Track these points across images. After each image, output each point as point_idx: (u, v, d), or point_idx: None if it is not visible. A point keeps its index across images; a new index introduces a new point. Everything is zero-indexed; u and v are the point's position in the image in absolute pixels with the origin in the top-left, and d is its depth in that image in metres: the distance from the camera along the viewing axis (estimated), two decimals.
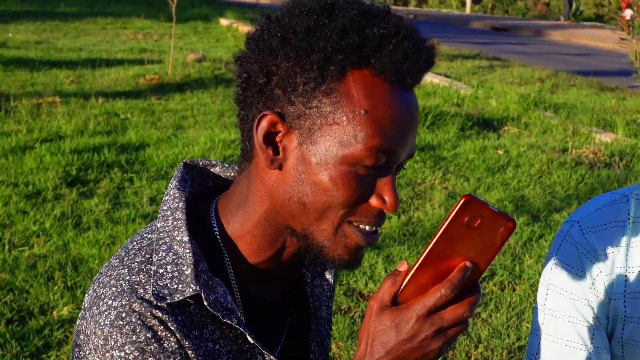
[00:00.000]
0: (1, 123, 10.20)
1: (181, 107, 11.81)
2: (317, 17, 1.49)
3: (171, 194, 1.62)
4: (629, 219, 2.13)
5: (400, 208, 7.49)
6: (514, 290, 5.93)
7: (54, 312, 5.26)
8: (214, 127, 10.38)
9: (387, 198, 1.55)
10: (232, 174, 1.74)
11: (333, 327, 5.20)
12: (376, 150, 1.50)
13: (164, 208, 1.60)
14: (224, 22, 26.83)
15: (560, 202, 7.85)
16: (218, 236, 1.62)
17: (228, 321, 1.54)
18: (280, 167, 1.54)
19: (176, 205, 1.59)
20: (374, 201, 1.55)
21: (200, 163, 1.73)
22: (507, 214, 1.44)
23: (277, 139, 1.53)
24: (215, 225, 1.63)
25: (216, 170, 1.74)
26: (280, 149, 1.53)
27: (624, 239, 2.11)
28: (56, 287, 5.57)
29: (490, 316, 5.53)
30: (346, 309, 5.49)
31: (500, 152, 9.66)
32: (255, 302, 1.67)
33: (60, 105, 11.45)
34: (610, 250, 2.11)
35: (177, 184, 1.64)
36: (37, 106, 11.37)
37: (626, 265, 2.10)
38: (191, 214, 1.62)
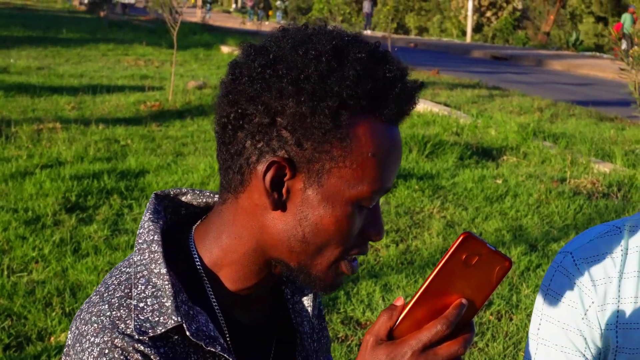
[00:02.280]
0: (2, 148, 10.24)
1: (181, 134, 11.86)
2: (327, 61, 1.49)
3: (145, 226, 1.62)
4: (622, 250, 2.15)
5: (399, 236, 7.52)
6: (511, 319, 5.94)
7: (52, 338, 5.27)
8: (214, 154, 10.38)
9: (377, 230, 1.59)
10: (204, 200, 1.74)
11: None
12: (380, 191, 1.54)
13: (140, 241, 1.60)
14: (225, 49, 26.96)
15: (558, 231, 7.87)
16: (198, 264, 1.63)
17: (212, 349, 1.54)
18: (283, 209, 1.55)
19: (151, 237, 1.59)
20: (365, 234, 1.58)
21: (171, 192, 1.73)
22: (504, 254, 1.46)
23: (284, 181, 1.54)
24: (195, 253, 1.64)
25: (187, 198, 1.74)
26: (284, 190, 1.53)
27: (617, 270, 2.12)
28: (54, 313, 5.58)
29: (487, 345, 5.54)
30: (343, 337, 5.50)
31: (499, 181, 9.69)
32: (241, 327, 1.67)
33: (60, 131, 11.50)
34: (602, 281, 2.12)
35: (151, 216, 1.64)
36: (38, 132, 11.42)
37: (618, 297, 2.11)
38: (168, 243, 1.62)
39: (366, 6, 48.61)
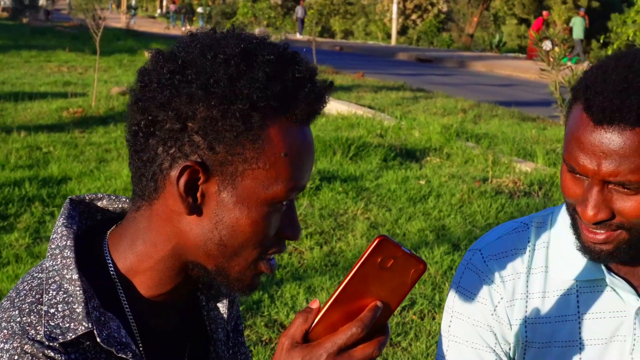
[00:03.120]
0: None
1: (104, 140, 11.76)
2: (236, 64, 1.50)
3: (59, 232, 1.60)
4: (529, 246, 2.18)
5: (322, 239, 7.53)
6: (434, 318, 5.98)
7: None
8: None
9: (294, 230, 1.60)
10: (120, 206, 1.73)
11: (254, 359, 5.20)
12: (294, 190, 1.55)
13: (52, 246, 1.59)
14: (149, 54, 26.78)
15: (481, 231, 7.94)
16: (112, 270, 1.62)
17: (123, 356, 1.54)
18: (199, 213, 1.55)
19: (64, 243, 1.58)
20: (282, 234, 1.59)
21: (87, 198, 1.72)
22: (419, 256, 1.47)
23: (198, 185, 1.54)
24: (109, 259, 1.62)
25: (103, 203, 1.73)
26: (199, 194, 1.53)
27: (525, 266, 2.16)
28: None
29: (410, 345, 5.57)
30: (267, 340, 5.50)
31: (422, 182, 9.76)
32: (154, 334, 1.67)
33: None
34: (511, 277, 2.16)
35: (64, 221, 1.62)
36: None
37: (527, 292, 2.15)
38: (82, 249, 1.61)
39: (299, 11, 48.36)
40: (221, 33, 1.58)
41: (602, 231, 1.94)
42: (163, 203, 1.56)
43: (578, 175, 1.93)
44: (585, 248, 2.00)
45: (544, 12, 34.93)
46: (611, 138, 1.82)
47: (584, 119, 1.87)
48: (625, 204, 1.89)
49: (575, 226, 2.02)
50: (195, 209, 1.54)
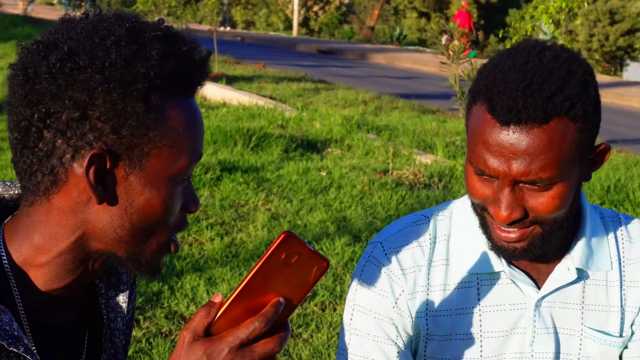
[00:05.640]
0: None
1: (2, 128, 11.54)
2: (127, 44, 1.48)
3: None
4: (430, 239, 2.19)
5: (223, 230, 7.50)
6: (335, 310, 6.00)
7: None
8: None
9: (195, 202, 1.62)
10: (16, 192, 1.69)
11: (153, 351, 5.16)
12: (195, 161, 1.57)
13: None
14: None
15: (381, 222, 7.99)
16: (6, 263, 1.57)
17: (14, 350, 1.49)
18: (110, 201, 1.52)
19: None
20: (185, 208, 1.60)
21: None
22: (322, 255, 1.49)
23: (105, 172, 1.51)
24: (3, 252, 1.58)
25: None
26: (107, 182, 1.51)
27: (426, 259, 2.17)
28: None
29: (312, 336, 5.58)
30: (167, 332, 5.45)
31: (323, 173, 9.78)
32: (49, 328, 1.62)
33: None
34: (412, 270, 2.16)
35: None
36: None
37: (428, 285, 2.16)
38: None
39: None
40: (95, 15, 1.56)
41: (515, 229, 1.95)
42: (64, 196, 1.52)
43: (486, 177, 1.94)
44: (498, 247, 2.01)
45: (463, 2, 35.05)
46: (519, 138, 1.83)
47: (489, 121, 1.87)
48: (538, 200, 1.90)
49: (485, 226, 2.03)
50: (106, 197, 1.51)
